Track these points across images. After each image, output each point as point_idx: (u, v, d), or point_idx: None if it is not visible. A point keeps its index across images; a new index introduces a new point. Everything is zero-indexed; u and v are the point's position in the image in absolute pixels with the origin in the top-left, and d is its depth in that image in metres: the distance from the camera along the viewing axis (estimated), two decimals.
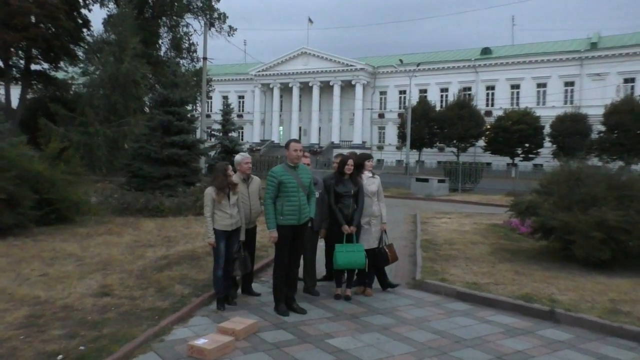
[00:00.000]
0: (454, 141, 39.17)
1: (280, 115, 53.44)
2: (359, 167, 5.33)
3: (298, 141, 4.76)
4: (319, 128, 51.41)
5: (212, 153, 17.24)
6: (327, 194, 5.23)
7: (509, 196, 13.30)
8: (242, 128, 52.26)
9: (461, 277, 6.03)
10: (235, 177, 4.90)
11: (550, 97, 40.98)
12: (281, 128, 54.12)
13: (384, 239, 5.46)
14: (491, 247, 8.14)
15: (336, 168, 5.37)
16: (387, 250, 5.38)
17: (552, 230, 7.02)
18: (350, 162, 5.16)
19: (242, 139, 50.36)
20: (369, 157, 5.54)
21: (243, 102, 57.24)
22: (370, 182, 5.38)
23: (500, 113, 38.88)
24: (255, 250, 5.44)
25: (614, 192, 6.76)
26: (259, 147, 49.11)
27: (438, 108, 42.09)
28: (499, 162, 37.97)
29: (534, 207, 7.26)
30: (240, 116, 54.31)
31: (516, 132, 35.63)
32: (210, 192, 4.71)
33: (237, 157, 5.04)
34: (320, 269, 5.87)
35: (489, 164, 33.72)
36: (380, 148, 48.04)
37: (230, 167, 4.83)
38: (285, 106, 54.14)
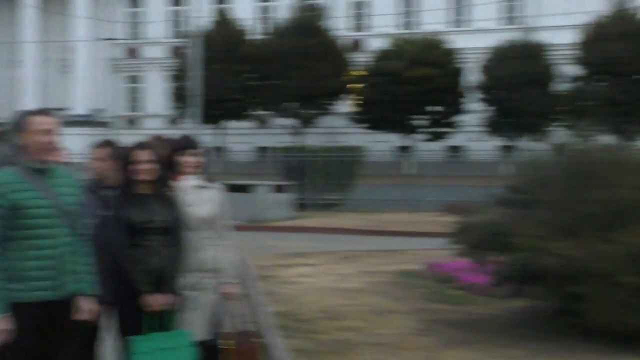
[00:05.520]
0: (295, 104, 40.41)
1: None
2: (171, 167, 5.60)
3: (49, 112, 4.87)
4: None
5: None
6: (108, 228, 5.38)
7: (448, 214, 14.38)
8: None
9: None
10: None
11: (480, 9, 43.56)
12: None
13: (232, 316, 5.77)
14: (417, 318, 8.83)
15: (100, 171, 5.66)
16: (229, 344, 5.62)
17: (540, 277, 7.71)
18: (147, 155, 5.36)
19: None
20: (189, 144, 5.82)
21: None
22: (200, 198, 5.64)
23: (383, 45, 40.84)
24: None
25: None
26: None
27: (259, 36, 43.14)
28: (383, 144, 40.23)
29: (505, 234, 7.89)
30: None
31: (414, 83, 37.71)
32: None
33: None
34: None
35: (358, 150, 33.33)
36: (132, 123, 48.54)
37: None
38: None
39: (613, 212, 7.58)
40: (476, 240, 8.54)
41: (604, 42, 35.15)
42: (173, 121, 45.58)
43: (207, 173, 5.85)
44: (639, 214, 7.50)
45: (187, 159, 5.61)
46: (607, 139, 10.05)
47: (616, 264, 7.21)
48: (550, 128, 34.60)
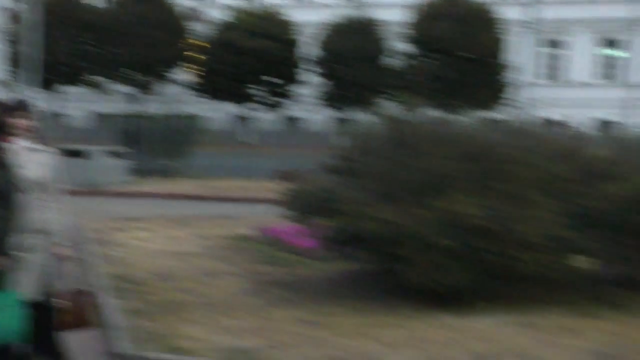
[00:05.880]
0: (132, 71, 40.37)
1: None
2: (1, 129, 5.48)
3: None
4: None
5: None
6: None
7: (280, 181, 14.39)
8: None
9: (209, 340, 6.63)
10: None
11: None
12: None
13: (64, 277, 5.67)
14: (247, 279, 9.21)
15: None
16: (63, 303, 5.57)
17: (363, 239, 8.06)
18: None
19: None
20: (21, 106, 5.71)
21: None
22: (31, 160, 5.54)
23: (224, 16, 41.28)
24: None
25: (475, 166, 8.13)
26: None
27: (99, 3, 42.88)
28: (223, 113, 41.11)
29: (332, 200, 8.24)
30: None
31: (253, 54, 38.41)
32: None
33: None
34: None
35: (196, 118, 33.86)
36: None
37: None
38: None
39: (429, 180, 8.04)
40: (306, 206, 8.86)
41: (435, 21, 36.63)
42: (7, 85, 43.40)
43: (40, 136, 5.77)
44: (453, 182, 7.96)
45: (19, 121, 5.51)
46: (433, 113, 10.59)
47: (431, 227, 7.67)
48: (380, 101, 35.73)
